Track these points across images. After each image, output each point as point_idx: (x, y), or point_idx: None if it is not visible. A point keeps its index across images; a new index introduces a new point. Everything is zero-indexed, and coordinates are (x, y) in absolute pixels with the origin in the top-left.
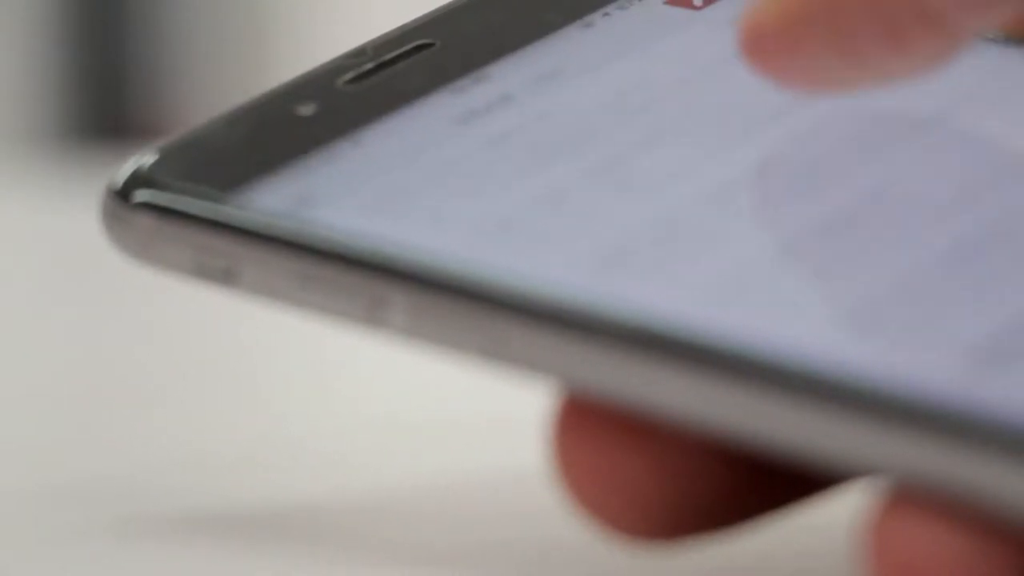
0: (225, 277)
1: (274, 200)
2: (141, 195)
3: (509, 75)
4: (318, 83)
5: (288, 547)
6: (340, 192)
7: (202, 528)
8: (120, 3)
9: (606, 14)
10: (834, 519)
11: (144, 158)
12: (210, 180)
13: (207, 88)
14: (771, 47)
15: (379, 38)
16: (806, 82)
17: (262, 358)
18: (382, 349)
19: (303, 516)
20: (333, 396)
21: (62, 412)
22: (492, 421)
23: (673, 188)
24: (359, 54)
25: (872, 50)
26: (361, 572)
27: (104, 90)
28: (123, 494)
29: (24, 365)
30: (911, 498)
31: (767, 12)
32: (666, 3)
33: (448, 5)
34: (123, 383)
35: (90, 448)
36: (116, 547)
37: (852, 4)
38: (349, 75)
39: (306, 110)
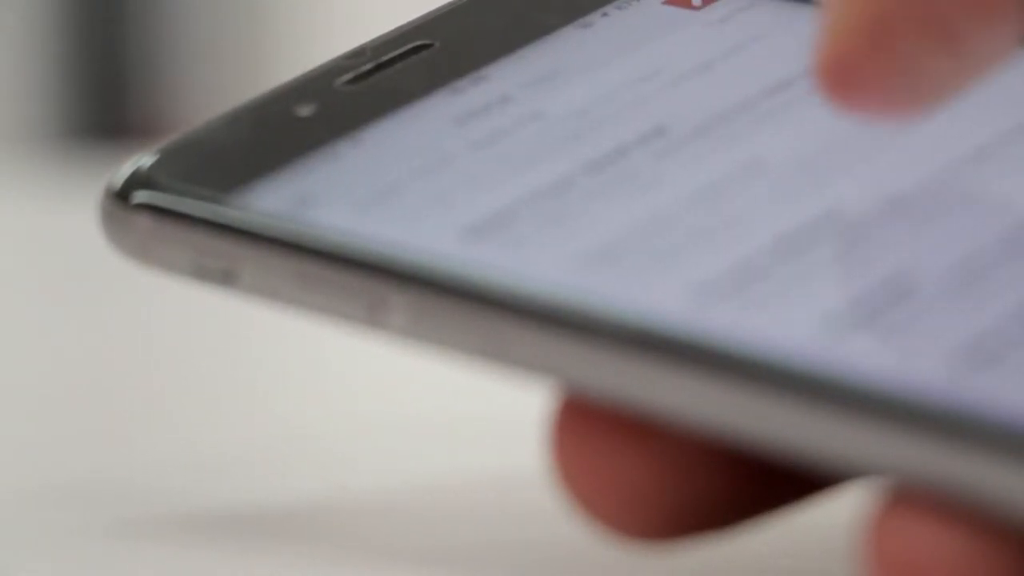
0: (224, 278)
1: (273, 201)
2: (140, 196)
3: (508, 76)
4: (317, 84)
5: (288, 547)
6: (339, 193)
7: (202, 528)
8: (120, 3)
9: (604, 14)
10: (834, 519)
11: (143, 159)
12: (209, 181)
13: (207, 88)
14: (851, 79)
15: (378, 38)
16: (897, 106)
17: (262, 358)
18: (382, 350)
19: (303, 516)
20: (333, 396)
21: (62, 412)
22: (491, 422)
23: (672, 188)
24: (358, 55)
25: (936, 63)
26: (361, 572)
27: (104, 90)
28: (123, 494)
29: (24, 365)
30: (911, 498)
31: (840, 40)
32: (664, 3)
33: (447, 6)
34: (123, 383)
35: (90, 448)
36: (116, 547)
37: (906, 15)
38: (348, 76)
39: (305, 111)
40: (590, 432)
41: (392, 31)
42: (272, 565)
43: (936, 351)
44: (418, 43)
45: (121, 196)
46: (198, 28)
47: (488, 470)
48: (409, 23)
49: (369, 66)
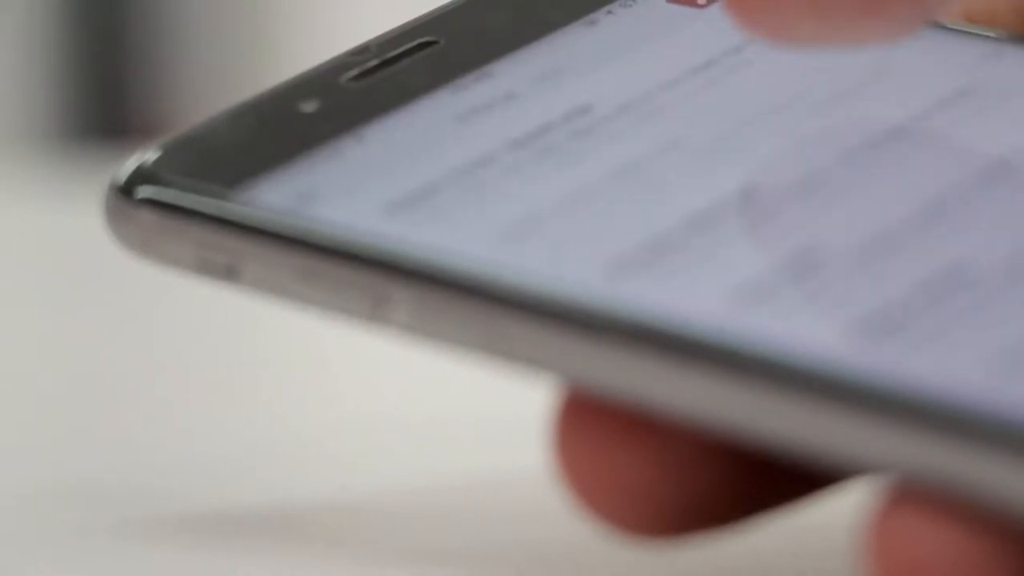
0: (228, 273)
1: (277, 197)
2: (144, 191)
3: (512, 73)
4: (321, 80)
5: (288, 547)
6: (343, 189)
7: (202, 528)
8: (120, 3)
9: (609, 12)
10: (834, 519)
11: (147, 154)
12: (213, 176)
13: (207, 88)
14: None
15: (383, 35)
16: (781, 37)
17: (264, 357)
18: (384, 347)
19: (304, 516)
20: (333, 396)
21: (63, 412)
22: (493, 420)
23: (677, 187)
24: (363, 51)
25: (848, 11)
26: (361, 572)
27: (104, 90)
28: (123, 494)
29: (24, 365)
30: (913, 496)
31: None
32: (669, 1)
33: (452, 3)
34: (124, 383)
35: (90, 448)
36: (116, 547)
37: None
38: (352, 72)
39: (309, 107)
40: (592, 429)
41: (397, 28)
42: (272, 565)
43: (939, 347)
44: (423, 40)
45: (125, 191)
46: (198, 28)
47: (488, 469)
48: (414, 20)
49: (374, 63)
